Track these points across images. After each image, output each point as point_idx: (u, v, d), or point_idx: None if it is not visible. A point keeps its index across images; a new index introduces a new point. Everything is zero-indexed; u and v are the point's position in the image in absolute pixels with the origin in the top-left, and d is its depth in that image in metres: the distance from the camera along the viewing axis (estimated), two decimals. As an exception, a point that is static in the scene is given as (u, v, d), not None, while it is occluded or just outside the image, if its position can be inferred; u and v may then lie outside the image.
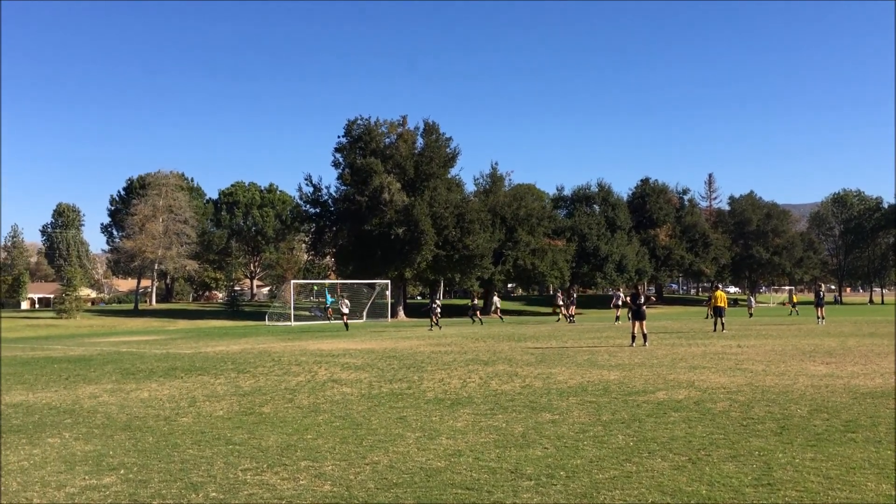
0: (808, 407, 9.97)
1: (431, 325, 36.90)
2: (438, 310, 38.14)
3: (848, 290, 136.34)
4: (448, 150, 67.43)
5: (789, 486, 6.16)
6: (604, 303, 79.93)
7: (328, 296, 51.08)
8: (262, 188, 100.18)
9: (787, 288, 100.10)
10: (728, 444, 7.79)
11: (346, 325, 39.06)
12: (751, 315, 47.02)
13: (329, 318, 42.10)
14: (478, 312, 44.73)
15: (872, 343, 20.87)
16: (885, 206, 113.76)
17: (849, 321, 36.29)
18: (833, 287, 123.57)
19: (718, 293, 29.08)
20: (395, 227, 60.22)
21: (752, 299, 56.07)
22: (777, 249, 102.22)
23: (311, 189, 67.51)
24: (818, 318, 33.71)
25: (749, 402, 10.53)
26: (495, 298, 49.46)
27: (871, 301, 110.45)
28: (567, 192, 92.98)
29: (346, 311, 39.41)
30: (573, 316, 43.00)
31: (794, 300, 55.65)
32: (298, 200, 71.14)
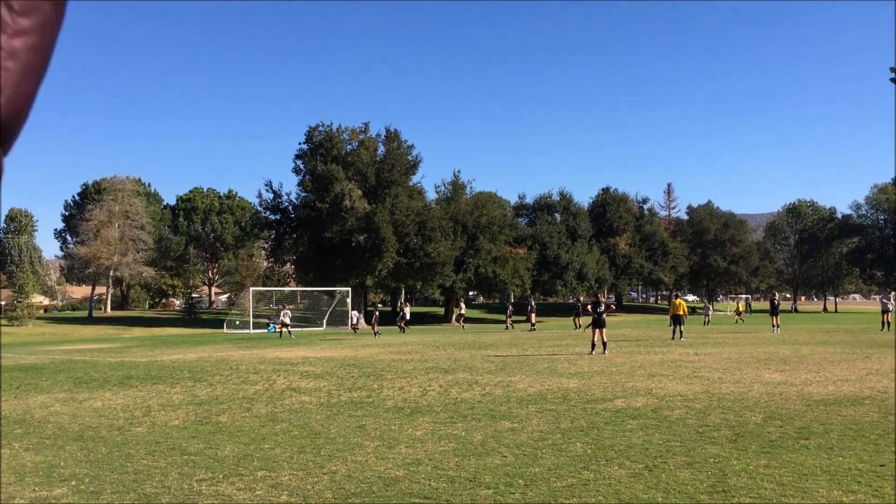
0: (763, 414, 10.12)
1: (355, 331, 37.03)
2: (355, 319, 38.25)
3: (802, 298, 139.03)
4: (410, 157, 67.45)
5: (743, 492, 6.24)
6: (565, 311, 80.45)
7: (271, 326, 49.86)
8: (221, 194, 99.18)
9: (743, 296, 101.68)
10: (684, 452, 7.87)
11: (280, 333, 38.97)
12: (706, 324, 47.59)
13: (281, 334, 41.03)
14: (402, 322, 44.80)
15: (826, 351, 21.28)
16: (839, 216, 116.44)
17: (803, 329, 36.96)
18: (788, 296, 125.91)
19: (678, 301, 29.54)
20: (356, 235, 59.98)
21: (710, 307, 56.74)
22: (734, 258, 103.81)
23: (272, 195, 67.05)
24: (773, 325, 34.27)
25: (705, 409, 10.66)
26: (406, 308, 47.93)
27: (825, 309, 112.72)
28: (528, 200, 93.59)
29: (287, 320, 39.24)
30: (534, 324, 43.23)
31: (740, 308, 56.68)
32: (258, 207, 70.52)
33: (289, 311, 40.36)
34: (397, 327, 43.50)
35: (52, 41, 0.70)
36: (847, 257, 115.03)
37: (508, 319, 46.25)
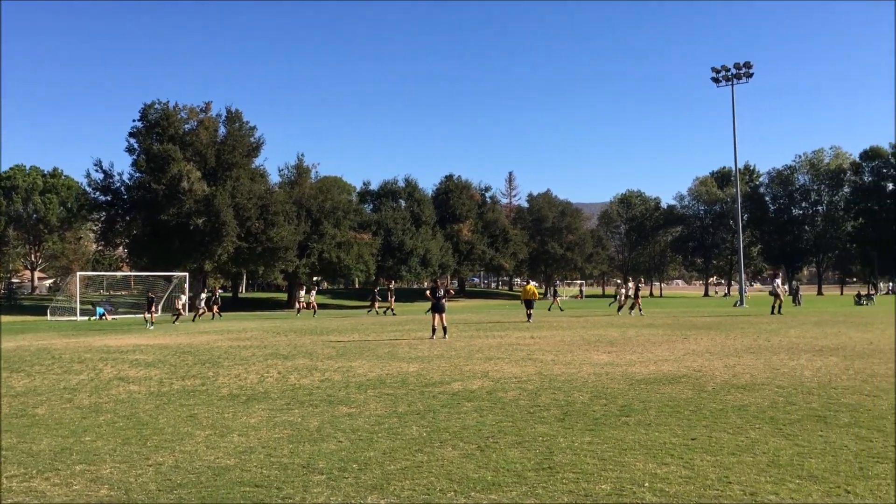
0: (590, 393, 10.62)
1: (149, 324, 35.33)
2: (182, 302, 37.27)
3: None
4: (252, 139, 65.84)
5: (568, 468, 6.52)
6: (408, 296, 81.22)
7: (99, 308, 47.16)
8: (45, 172, 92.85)
9: (578, 282, 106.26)
10: (515, 431, 8.13)
11: (146, 320, 37.06)
12: (549, 309, 49.29)
13: (148, 321, 37.63)
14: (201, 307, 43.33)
15: (650, 333, 22.61)
16: (664, 206, 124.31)
17: (630, 314, 39.05)
18: (619, 281, 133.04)
19: (529, 287, 30.70)
20: (195, 218, 57.88)
21: (558, 292, 57.44)
22: (570, 245, 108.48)
23: (102, 175, 63.52)
24: (633, 308, 36.24)
25: (537, 390, 11.06)
26: (203, 295, 46.10)
27: (651, 294, 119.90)
28: (374, 186, 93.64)
29: (154, 308, 37.35)
30: (392, 308, 43.40)
31: (578, 295, 58.78)
32: (87, 187, 66.68)
33: (155, 298, 37.94)
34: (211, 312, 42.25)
35: None
36: (671, 245, 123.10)
37: (375, 304, 46.21)
